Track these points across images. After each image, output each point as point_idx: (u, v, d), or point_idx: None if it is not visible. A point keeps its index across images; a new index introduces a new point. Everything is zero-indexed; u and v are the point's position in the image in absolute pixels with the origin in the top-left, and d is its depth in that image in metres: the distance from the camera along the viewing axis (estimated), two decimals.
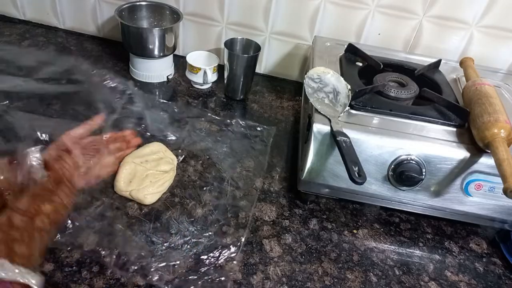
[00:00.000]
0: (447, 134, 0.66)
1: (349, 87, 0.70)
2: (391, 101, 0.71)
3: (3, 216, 0.43)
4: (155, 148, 0.74)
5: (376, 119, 0.67)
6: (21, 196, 0.45)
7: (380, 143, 0.63)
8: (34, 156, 0.51)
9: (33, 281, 0.39)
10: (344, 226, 0.70)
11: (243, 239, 0.63)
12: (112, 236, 0.60)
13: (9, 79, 0.76)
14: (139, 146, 0.69)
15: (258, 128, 0.86)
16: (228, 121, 0.86)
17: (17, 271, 0.38)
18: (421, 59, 0.87)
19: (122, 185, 0.67)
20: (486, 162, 0.62)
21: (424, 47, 0.95)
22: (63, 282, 0.54)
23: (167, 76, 0.98)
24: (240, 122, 0.86)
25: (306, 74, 0.73)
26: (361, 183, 0.55)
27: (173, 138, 0.79)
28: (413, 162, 0.62)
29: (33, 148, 0.51)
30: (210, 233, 0.64)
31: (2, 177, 0.49)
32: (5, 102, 0.76)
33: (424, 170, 0.63)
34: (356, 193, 0.67)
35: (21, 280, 0.38)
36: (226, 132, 0.84)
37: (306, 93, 0.70)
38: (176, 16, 0.95)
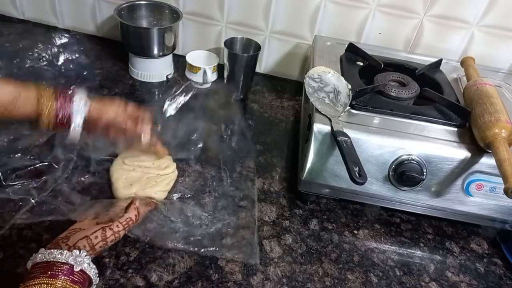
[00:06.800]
0: (448, 134, 0.65)
1: (349, 86, 0.70)
2: (392, 101, 0.71)
3: None
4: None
5: (376, 119, 0.67)
6: None
7: (381, 143, 0.62)
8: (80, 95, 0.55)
9: None
10: (345, 227, 0.70)
11: (256, 243, 0.62)
12: None
13: None
14: None
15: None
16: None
17: None
18: (422, 59, 0.87)
19: (123, 191, 0.64)
20: (487, 162, 0.62)
21: (425, 46, 0.94)
22: None
23: (167, 76, 0.97)
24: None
25: (306, 73, 0.73)
26: (362, 183, 0.55)
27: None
28: (414, 162, 0.62)
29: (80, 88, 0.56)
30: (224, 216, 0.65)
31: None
32: None
33: (425, 170, 0.62)
34: (357, 194, 0.67)
35: None
36: None
37: (307, 92, 0.70)
38: (175, 15, 0.94)
